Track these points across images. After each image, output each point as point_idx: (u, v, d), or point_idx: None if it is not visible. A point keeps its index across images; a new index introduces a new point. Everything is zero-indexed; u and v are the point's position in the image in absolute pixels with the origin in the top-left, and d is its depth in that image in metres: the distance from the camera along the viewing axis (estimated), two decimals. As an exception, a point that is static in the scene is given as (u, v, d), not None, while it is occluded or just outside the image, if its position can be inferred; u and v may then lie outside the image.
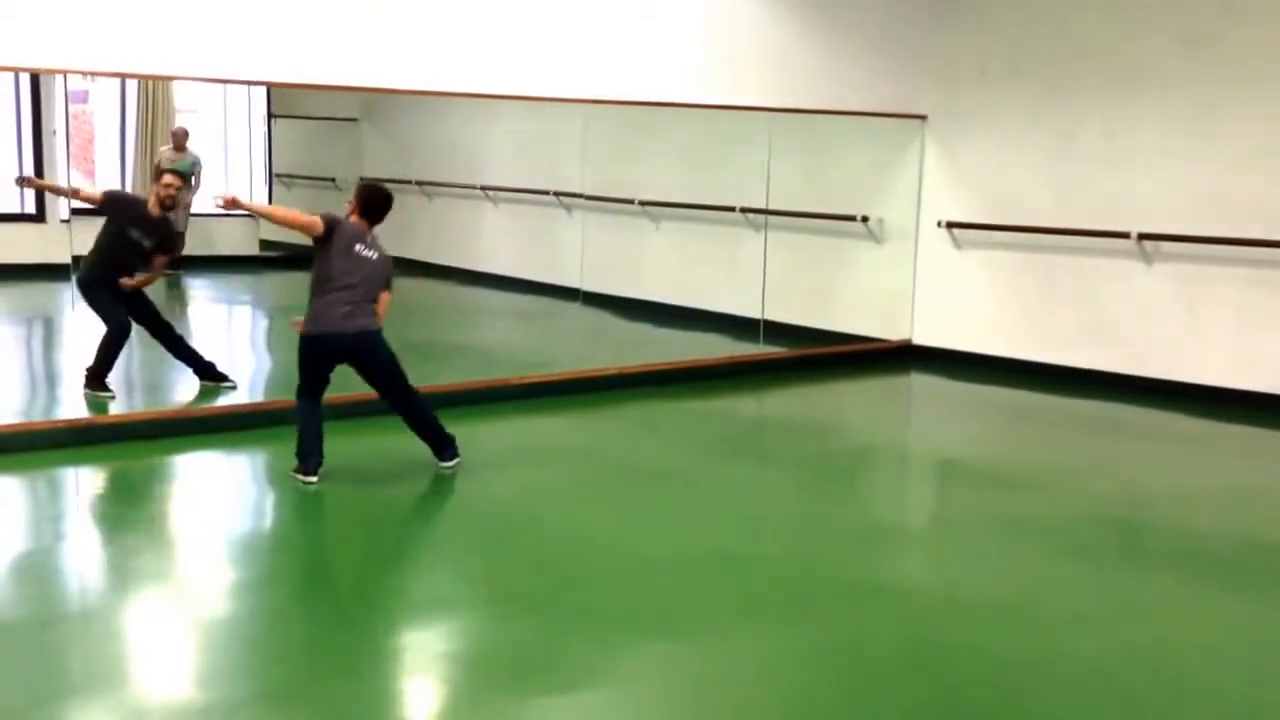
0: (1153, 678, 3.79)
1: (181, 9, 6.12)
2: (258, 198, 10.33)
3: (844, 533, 5.19)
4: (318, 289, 5.38)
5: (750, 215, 9.13)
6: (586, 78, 7.38)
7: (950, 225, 8.77)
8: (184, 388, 7.24)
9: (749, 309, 8.96)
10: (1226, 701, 3.61)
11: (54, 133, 9.02)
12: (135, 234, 6.71)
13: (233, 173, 10.46)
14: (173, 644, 3.96)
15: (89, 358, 6.81)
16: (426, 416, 5.63)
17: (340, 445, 5.67)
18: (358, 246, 5.42)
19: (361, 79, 6.71)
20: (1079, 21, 8.07)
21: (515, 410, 7.11)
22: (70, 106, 9.68)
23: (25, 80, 9.37)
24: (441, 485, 5.60)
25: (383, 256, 5.50)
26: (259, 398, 7.46)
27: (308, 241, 5.46)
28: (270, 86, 8.63)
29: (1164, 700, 3.63)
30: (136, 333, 6.92)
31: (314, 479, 5.39)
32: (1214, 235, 7.48)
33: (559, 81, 7.28)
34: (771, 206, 8.92)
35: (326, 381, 5.56)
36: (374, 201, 5.57)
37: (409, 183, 9.83)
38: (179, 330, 7.25)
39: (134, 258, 6.78)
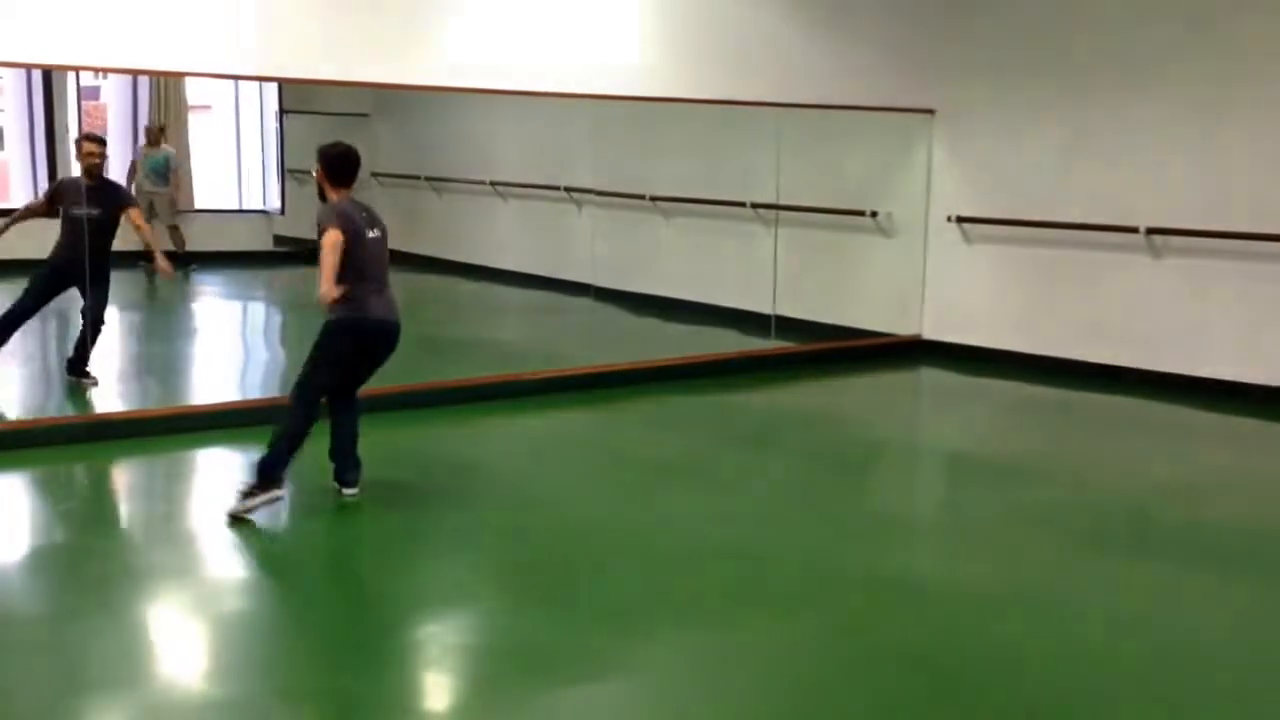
0: (1165, 670, 3.81)
1: (193, 5, 6.15)
2: (270, 194, 10.40)
3: (856, 525, 5.22)
4: (353, 279, 4.93)
5: (761, 210, 9.15)
6: (597, 73, 7.40)
7: (960, 220, 8.78)
8: (201, 384, 7.30)
9: (760, 304, 8.98)
10: (1240, 694, 3.62)
11: (68, 131, 9.06)
12: (77, 211, 6.69)
13: (245, 169, 10.50)
14: (190, 639, 4.01)
15: (100, 353, 6.86)
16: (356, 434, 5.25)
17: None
18: (369, 233, 5.05)
19: (372, 75, 6.74)
20: (1088, 15, 8.07)
21: (528, 405, 7.14)
22: (82, 103, 9.73)
23: (38, 77, 9.41)
24: (457, 479, 5.63)
25: (379, 223, 5.16)
26: (274, 393, 7.51)
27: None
28: (282, 82, 8.66)
29: (1177, 692, 3.65)
30: (159, 331, 6.96)
31: (282, 493, 5.01)
32: (1223, 229, 7.49)
33: (570, 77, 7.30)
34: (782, 201, 8.94)
35: (358, 381, 5.19)
36: (342, 164, 5.06)
37: (419, 178, 9.86)
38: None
39: (94, 235, 6.69)
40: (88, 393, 6.81)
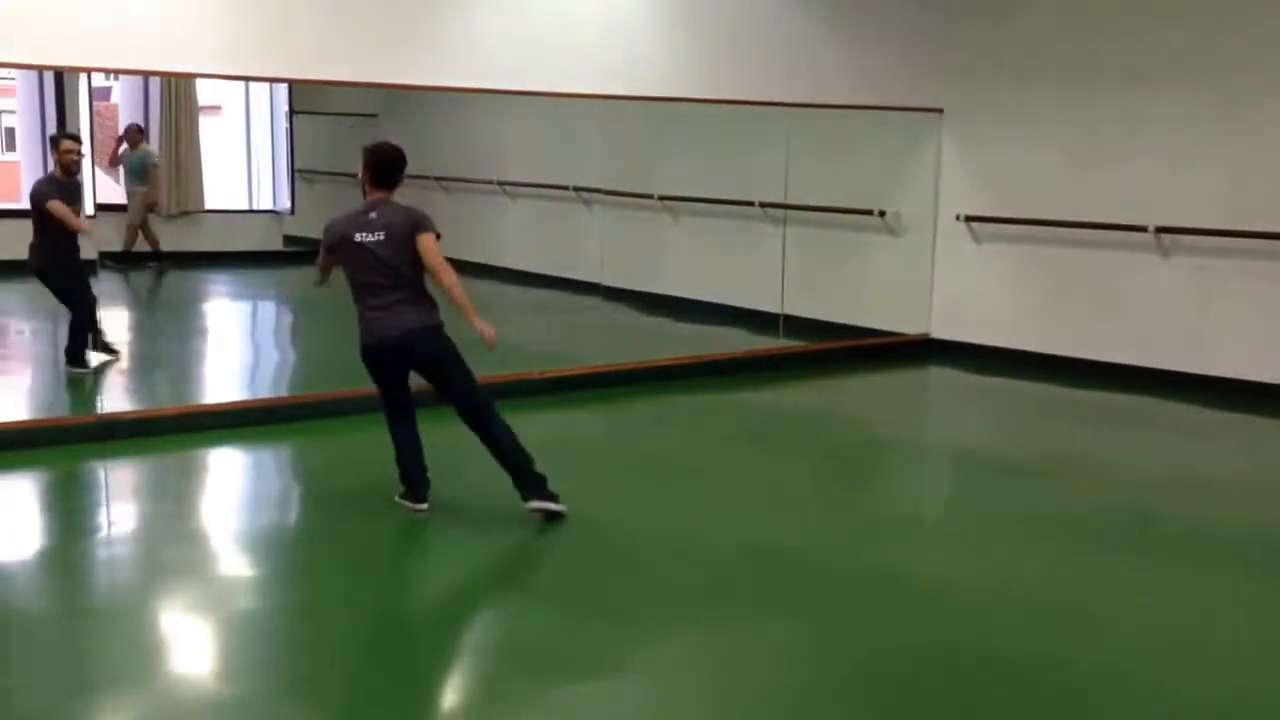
0: (1178, 669, 3.80)
1: (203, 7, 6.18)
2: (279, 194, 10.44)
3: (865, 525, 5.22)
4: (353, 294, 4.83)
5: (769, 210, 9.15)
6: (606, 73, 7.41)
7: (969, 219, 8.77)
8: (211, 382, 7.33)
9: (768, 303, 8.99)
10: (1248, 694, 3.62)
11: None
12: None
13: (255, 169, 10.55)
14: (201, 637, 4.03)
15: (114, 353, 6.90)
16: (507, 457, 4.99)
17: (366, 439, 5.72)
18: (357, 236, 4.70)
19: (381, 75, 6.76)
20: (1097, 14, 8.05)
21: (537, 405, 7.15)
22: (93, 104, 9.77)
23: (49, 78, 9.47)
24: (467, 478, 5.65)
25: (392, 224, 4.71)
26: (283, 392, 7.54)
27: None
28: (291, 83, 8.70)
29: (1189, 692, 3.64)
30: (170, 330, 7.01)
31: (424, 506, 4.96)
32: (1232, 228, 7.47)
33: (578, 77, 7.31)
34: (790, 201, 8.94)
35: (401, 390, 4.97)
36: (386, 162, 4.80)
37: (428, 178, 9.89)
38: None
39: (71, 232, 6.81)
40: (99, 382, 6.89)
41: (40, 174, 9.53)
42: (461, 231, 10.37)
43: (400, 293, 4.75)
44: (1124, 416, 7.42)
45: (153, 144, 9.76)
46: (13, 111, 10.58)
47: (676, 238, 9.75)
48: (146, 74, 8.74)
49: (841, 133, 8.84)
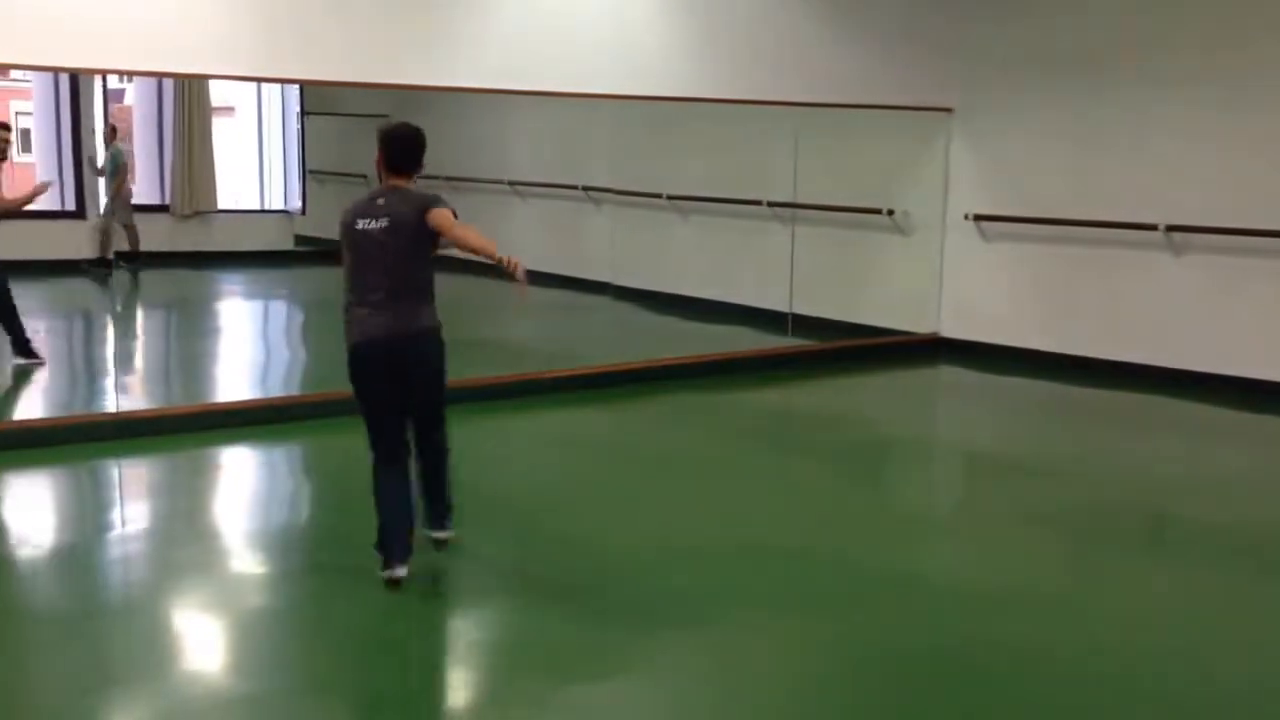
0: (1186, 669, 3.81)
1: (217, 9, 6.23)
2: (291, 194, 10.50)
3: (874, 524, 5.23)
4: (347, 288, 4.19)
5: (778, 209, 9.17)
6: (614, 73, 7.44)
7: (978, 218, 8.77)
8: (223, 382, 7.38)
9: (777, 302, 9.01)
10: (1257, 694, 3.62)
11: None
12: None
13: (267, 169, 10.61)
14: (215, 635, 4.07)
15: (129, 352, 6.96)
16: (440, 475, 4.43)
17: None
18: (360, 223, 4.10)
19: (392, 76, 6.80)
20: (1106, 12, 8.05)
21: (547, 403, 7.19)
22: (108, 105, 9.85)
23: (65, 80, 9.55)
24: (476, 477, 5.68)
25: (398, 211, 4.09)
26: (294, 391, 7.60)
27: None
28: (303, 84, 8.75)
29: (1197, 692, 3.65)
30: (182, 330, 7.06)
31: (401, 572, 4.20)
32: (1243, 227, 7.46)
33: (587, 77, 7.34)
34: (799, 200, 8.96)
35: (391, 420, 4.24)
36: (400, 144, 4.20)
37: (438, 178, 9.92)
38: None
39: None
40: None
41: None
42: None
43: (398, 289, 4.11)
44: (1136, 416, 7.41)
45: (166, 144, 9.82)
46: (29, 113, 10.67)
47: (686, 237, 9.78)
48: (160, 75, 8.80)
49: (850, 132, 8.85)
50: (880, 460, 6.52)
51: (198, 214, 9.89)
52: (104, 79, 7.56)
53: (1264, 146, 7.41)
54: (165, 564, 4.65)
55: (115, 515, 5.33)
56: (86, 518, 5.29)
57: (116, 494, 5.72)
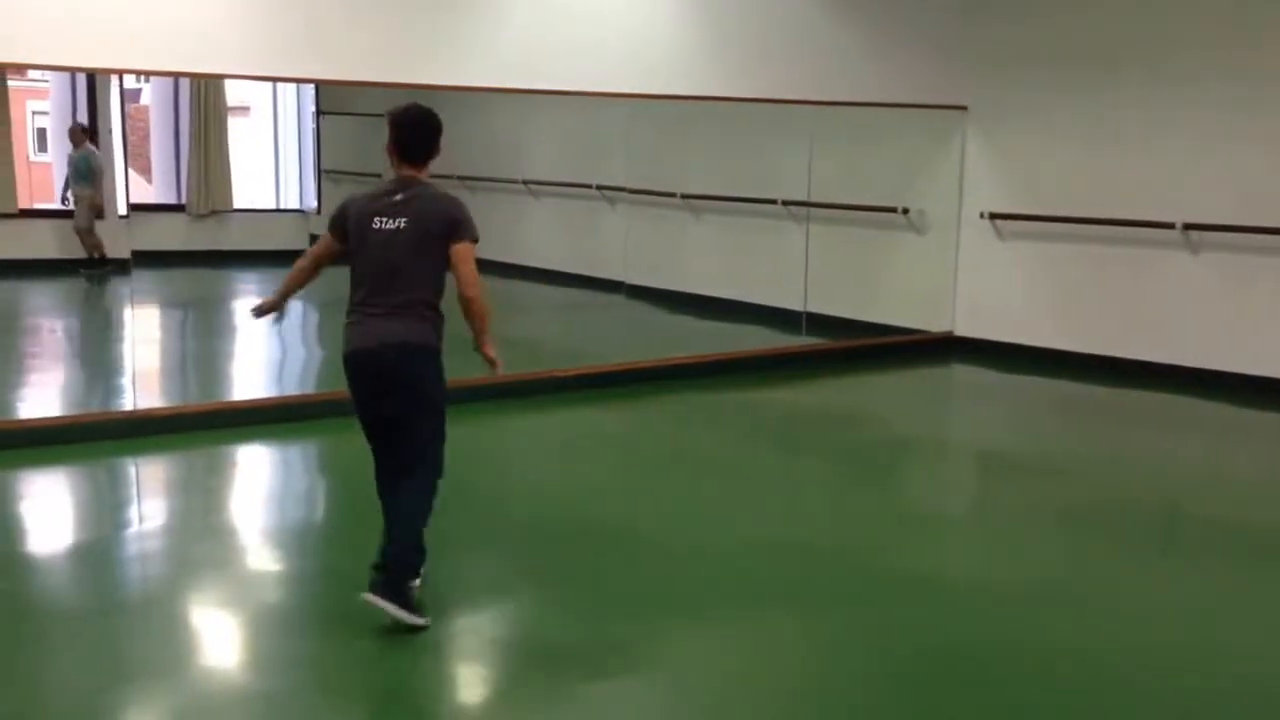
0: (1194, 670, 3.79)
1: (233, 9, 6.26)
2: (306, 193, 10.52)
3: (887, 523, 5.23)
4: (352, 291, 3.92)
5: (792, 208, 9.15)
6: (628, 72, 7.44)
7: (993, 216, 8.74)
8: (238, 380, 7.40)
9: (791, 301, 9.00)
10: (1270, 693, 3.61)
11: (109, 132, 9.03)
12: None
13: (283, 169, 10.64)
14: (229, 632, 4.09)
15: (146, 352, 6.97)
16: (415, 514, 3.93)
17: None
18: (376, 221, 3.77)
19: (407, 75, 6.82)
20: (1121, 9, 8.01)
21: (560, 402, 7.20)
22: (125, 105, 9.88)
23: (81, 80, 9.59)
24: (488, 475, 5.70)
25: (423, 215, 3.76)
26: (309, 389, 7.62)
27: None
28: (319, 84, 8.77)
29: (1207, 690, 3.63)
30: (196, 329, 7.07)
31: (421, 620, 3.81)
32: (1261, 225, 7.41)
33: (601, 76, 7.34)
34: (813, 199, 8.94)
35: (384, 435, 3.93)
36: (412, 128, 3.83)
37: (452, 177, 9.94)
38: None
39: None
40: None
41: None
42: (486, 230, 10.43)
43: (403, 298, 3.78)
44: (1152, 415, 7.38)
45: (183, 145, 9.85)
46: (46, 113, 10.73)
47: (699, 236, 9.77)
48: (177, 75, 8.83)
49: (865, 130, 8.83)
50: (894, 459, 6.50)
51: (214, 213, 9.92)
52: (120, 79, 7.58)
53: (1282, 144, 7.37)
54: (181, 561, 4.67)
55: (132, 512, 5.36)
56: (104, 515, 5.32)
57: (133, 491, 5.76)
